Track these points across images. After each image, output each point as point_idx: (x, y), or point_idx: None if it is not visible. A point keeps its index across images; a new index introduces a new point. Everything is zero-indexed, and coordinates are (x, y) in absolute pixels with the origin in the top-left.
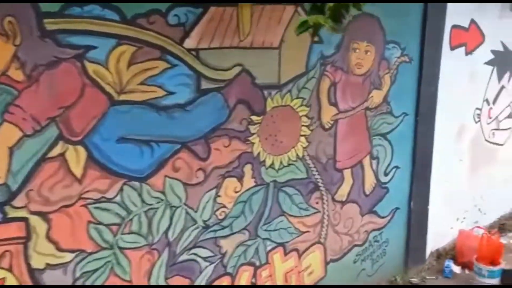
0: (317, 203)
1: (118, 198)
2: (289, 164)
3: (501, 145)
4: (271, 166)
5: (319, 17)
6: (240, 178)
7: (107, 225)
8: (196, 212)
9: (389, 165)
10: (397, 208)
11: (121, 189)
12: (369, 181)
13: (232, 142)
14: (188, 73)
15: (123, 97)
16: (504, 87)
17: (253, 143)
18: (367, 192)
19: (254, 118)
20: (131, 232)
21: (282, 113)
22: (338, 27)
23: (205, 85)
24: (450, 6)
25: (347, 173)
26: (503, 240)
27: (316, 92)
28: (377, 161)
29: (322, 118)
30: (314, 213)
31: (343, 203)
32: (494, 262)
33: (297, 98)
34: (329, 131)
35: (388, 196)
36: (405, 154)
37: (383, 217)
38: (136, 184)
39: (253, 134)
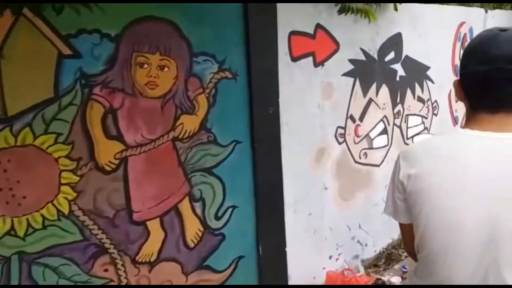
0: (106, 270)
1: None
2: (45, 227)
3: (377, 165)
4: (10, 232)
5: None
6: None
7: None
8: None
9: (221, 206)
10: (240, 257)
11: None
12: (193, 230)
13: None
14: None
15: None
16: (372, 100)
17: None
18: (191, 245)
19: None
20: None
21: (19, 157)
22: None
23: None
24: (282, 8)
25: (153, 225)
26: (385, 277)
27: (80, 123)
28: (202, 204)
29: (98, 158)
30: (103, 284)
31: (152, 263)
32: None
33: (46, 134)
34: (113, 173)
35: (225, 244)
36: (244, 189)
37: (220, 271)
38: None
39: None
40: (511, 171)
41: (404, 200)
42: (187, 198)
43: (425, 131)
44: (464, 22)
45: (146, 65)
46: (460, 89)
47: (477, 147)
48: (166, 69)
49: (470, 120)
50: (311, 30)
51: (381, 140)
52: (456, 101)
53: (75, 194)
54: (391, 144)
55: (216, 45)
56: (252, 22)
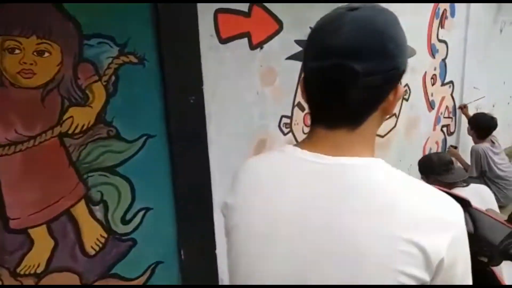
0: None
1: None
2: None
3: None
4: None
5: None
6: None
7: None
8: None
9: (130, 208)
10: (158, 263)
11: None
12: (93, 236)
13: None
14: None
15: None
16: None
17: None
18: (92, 252)
19: None
20: None
21: None
22: None
23: None
24: None
25: (37, 232)
26: None
27: None
28: (104, 207)
29: None
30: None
31: (40, 275)
32: None
33: None
34: None
35: (137, 250)
36: (160, 190)
37: (132, 279)
38: None
39: None
40: (336, 212)
41: None
42: (82, 201)
43: (393, 117)
44: None
45: (18, 51)
46: (304, 90)
47: (299, 175)
48: (46, 54)
49: (308, 135)
50: (244, 8)
51: None
52: (433, 84)
53: None
54: None
55: (115, 26)
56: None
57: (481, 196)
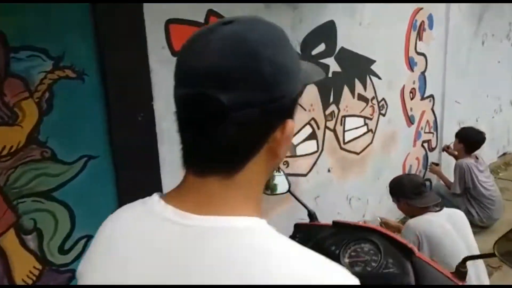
0: None
1: None
2: None
3: (304, 175)
4: None
5: None
6: None
7: None
8: None
9: (69, 236)
10: None
11: None
12: (25, 268)
13: None
14: None
15: None
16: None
17: None
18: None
19: None
20: None
21: None
22: None
23: None
24: None
25: None
26: None
27: None
28: (38, 236)
29: None
30: None
31: None
32: None
33: None
34: None
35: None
36: (104, 215)
37: None
38: None
39: None
40: None
41: None
42: (12, 230)
43: (369, 133)
44: (421, 8)
45: None
46: None
47: (156, 240)
48: None
49: (179, 184)
50: (201, 18)
51: (309, 146)
52: (412, 99)
53: None
54: (322, 150)
55: (49, 36)
56: (100, 7)
57: (453, 221)
